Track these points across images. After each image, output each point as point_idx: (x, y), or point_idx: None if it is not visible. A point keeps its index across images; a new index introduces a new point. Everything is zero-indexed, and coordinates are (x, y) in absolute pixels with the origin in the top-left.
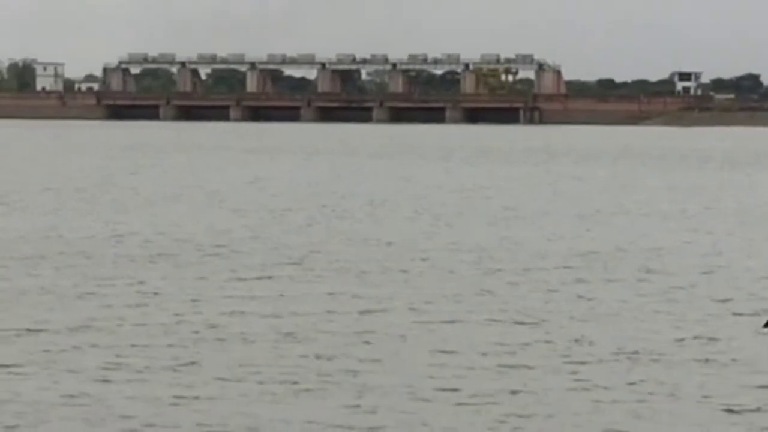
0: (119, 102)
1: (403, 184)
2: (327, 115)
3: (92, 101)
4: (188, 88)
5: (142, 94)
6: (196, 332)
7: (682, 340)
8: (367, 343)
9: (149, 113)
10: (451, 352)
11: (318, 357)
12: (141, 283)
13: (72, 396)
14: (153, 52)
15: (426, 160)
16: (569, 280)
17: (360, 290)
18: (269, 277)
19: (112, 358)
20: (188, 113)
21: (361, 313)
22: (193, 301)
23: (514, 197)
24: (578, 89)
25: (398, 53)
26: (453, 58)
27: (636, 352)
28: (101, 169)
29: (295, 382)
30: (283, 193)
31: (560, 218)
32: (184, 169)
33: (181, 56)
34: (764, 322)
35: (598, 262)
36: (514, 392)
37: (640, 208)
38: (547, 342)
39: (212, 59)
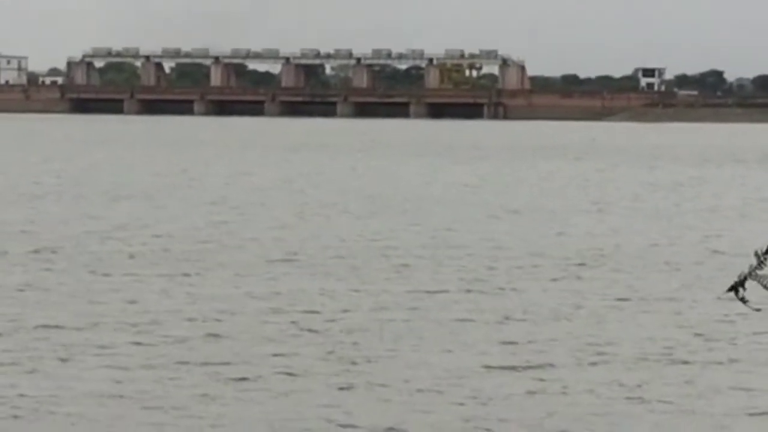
0: (83, 95)
1: (380, 180)
2: (291, 109)
3: (56, 95)
4: (152, 82)
5: (106, 87)
6: (191, 329)
7: (670, 339)
8: (364, 339)
9: (113, 107)
10: (443, 351)
11: (315, 356)
12: (134, 280)
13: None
14: (117, 46)
15: (400, 156)
16: (560, 277)
17: (353, 287)
18: (262, 274)
19: (107, 357)
20: (152, 107)
21: (355, 310)
22: (187, 296)
23: (497, 194)
24: (542, 85)
25: (362, 48)
26: (417, 53)
27: (618, 354)
28: (75, 162)
29: (291, 373)
30: (263, 189)
31: (544, 215)
32: (159, 164)
33: (145, 50)
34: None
35: (587, 260)
36: (510, 392)
37: (624, 204)
38: (534, 341)
39: (176, 53)
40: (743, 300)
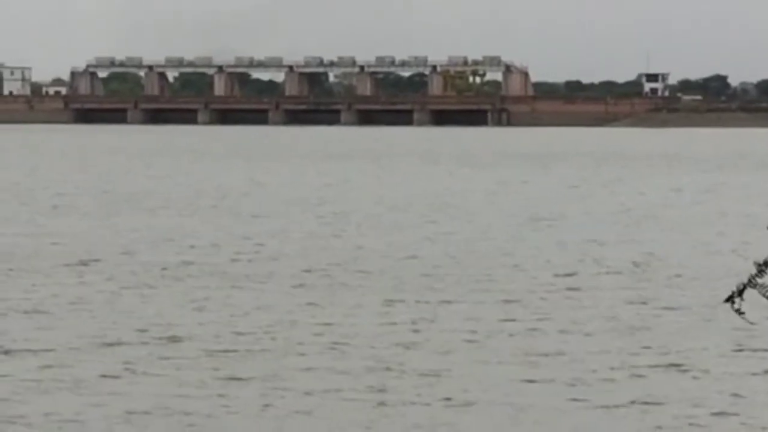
0: (87, 106)
1: (394, 190)
2: (295, 117)
3: (60, 105)
4: (156, 91)
5: (110, 97)
6: (225, 343)
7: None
8: (395, 352)
9: (117, 117)
10: (475, 362)
11: (347, 370)
12: (169, 293)
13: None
14: (120, 56)
15: (412, 164)
16: (594, 286)
17: (381, 299)
18: (290, 286)
19: (121, 371)
20: (156, 117)
21: (385, 323)
22: (218, 311)
23: (514, 202)
24: (546, 91)
25: (366, 56)
26: (420, 61)
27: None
28: (86, 173)
29: (325, 390)
30: (284, 201)
31: (571, 224)
32: (175, 173)
33: (148, 60)
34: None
35: (622, 270)
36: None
37: (652, 212)
38: (565, 354)
39: (179, 62)
40: (739, 312)
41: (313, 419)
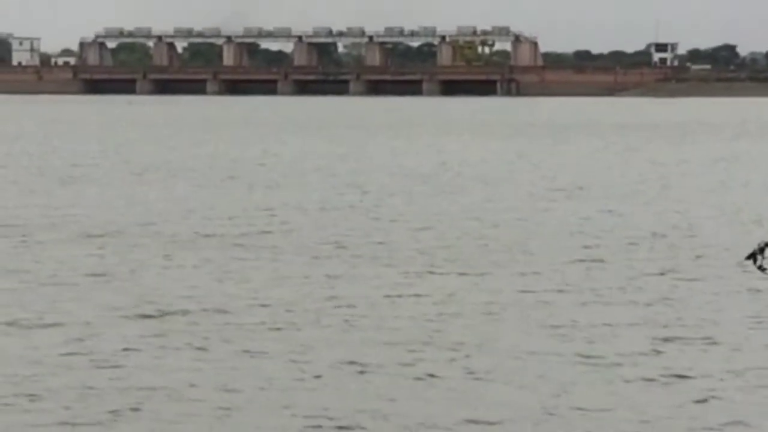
0: (96, 76)
1: (421, 159)
2: (304, 88)
3: (69, 75)
4: (165, 62)
5: (119, 68)
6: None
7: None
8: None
9: (126, 87)
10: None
11: (383, 344)
12: (178, 266)
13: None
14: (129, 26)
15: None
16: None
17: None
18: (317, 258)
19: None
20: (165, 87)
21: (415, 297)
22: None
23: (530, 173)
24: (555, 61)
25: (375, 26)
26: (429, 31)
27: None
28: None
29: (359, 362)
30: (289, 171)
31: (594, 195)
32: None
33: (157, 30)
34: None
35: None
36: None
37: (673, 183)
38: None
39: (188, 33)
40: (761, 268)
41: (330, 393)
